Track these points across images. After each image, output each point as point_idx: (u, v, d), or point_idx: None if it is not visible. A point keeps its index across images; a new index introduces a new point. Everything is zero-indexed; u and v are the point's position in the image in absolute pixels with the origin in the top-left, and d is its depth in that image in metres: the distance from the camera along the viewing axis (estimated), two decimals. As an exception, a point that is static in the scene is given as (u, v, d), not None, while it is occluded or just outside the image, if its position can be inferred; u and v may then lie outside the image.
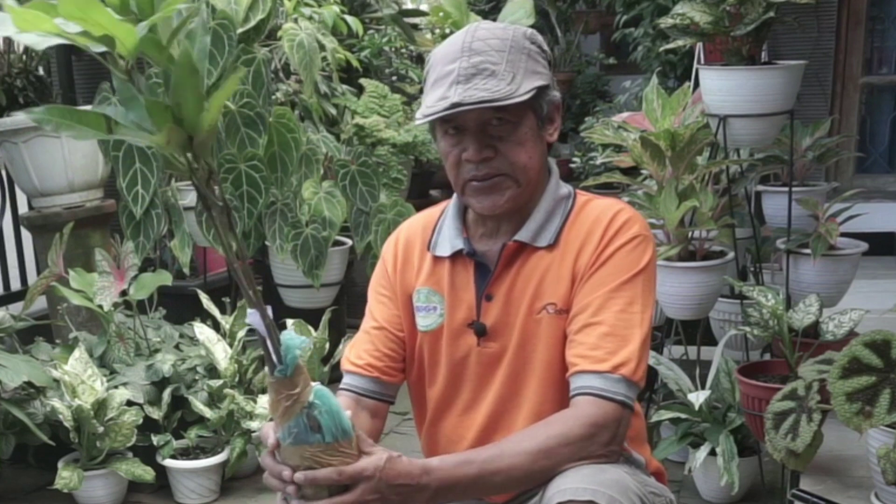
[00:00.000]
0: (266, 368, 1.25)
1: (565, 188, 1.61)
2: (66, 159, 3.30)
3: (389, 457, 1.33)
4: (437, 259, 1.62)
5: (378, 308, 1.67)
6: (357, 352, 1.66)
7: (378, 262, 1.71)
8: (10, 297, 3.52)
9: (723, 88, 2.61)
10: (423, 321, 1.63)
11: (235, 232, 1.12)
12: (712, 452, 2.51)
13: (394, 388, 1.67)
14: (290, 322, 3.01)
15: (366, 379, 1.63)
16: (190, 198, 3.13)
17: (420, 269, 1.64)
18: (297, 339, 1.23)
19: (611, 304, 1.48)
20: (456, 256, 1.60)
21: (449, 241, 1.61)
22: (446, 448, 1.63)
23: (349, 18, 3.57)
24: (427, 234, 1.65)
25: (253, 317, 1.21)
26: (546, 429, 1.42)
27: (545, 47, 1.53)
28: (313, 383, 1.27)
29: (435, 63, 1.50)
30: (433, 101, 1.45)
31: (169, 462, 2.79)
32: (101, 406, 2.66)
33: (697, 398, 2.51)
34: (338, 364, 3.12)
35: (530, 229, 1.55)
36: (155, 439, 2.79)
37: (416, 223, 1.70)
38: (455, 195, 1.62)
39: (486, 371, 1.59)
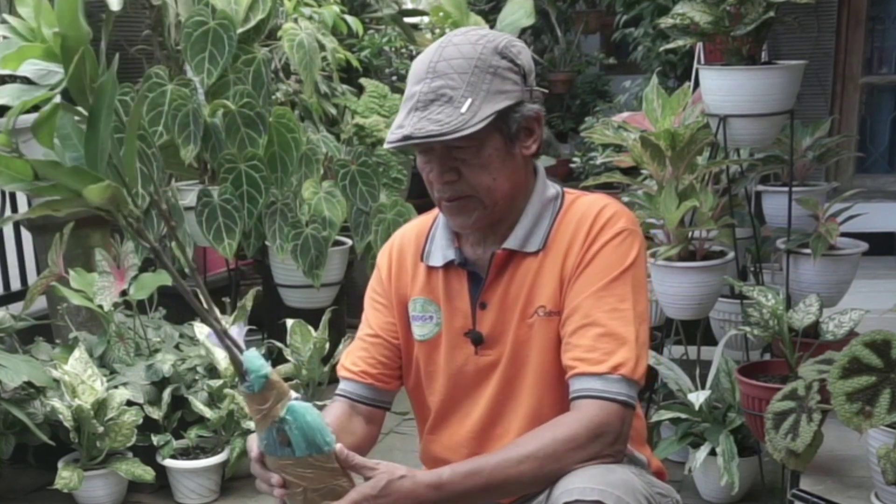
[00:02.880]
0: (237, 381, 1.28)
1: (553, 189, 1.59)
2: (66, 159, 3.30)
3: (389, 481, 1.34)
4: (430, 269, 1.62)
5: (373, 315, 1.67)
6: (352, 358, 1.67)
7: (374, 270, 1.72)
8: (10, 297, 3.52)
9: (723, 88, 2.61)
10: (420, 330, 1.63)
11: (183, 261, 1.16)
12: (712, 452, 2.51)
13: (389, 395, 1.68)
14: (290, 322, 3.01)
15: (360, 385, 1.64)
16: (190, 198, 3.13)
17: (415, 279, 1.64)
18: (257, 361, 1.25)
19: (602, 304, 1.47)
20: (448, 266, 1.60)
21: (441, 251, 1.61)
22: (444, 455, 1.63)
23: (349, 18, 3.57)
24: (420, 242, 1.65)
25: (211, 336, 1.26)
26: (553, 433, 1.41)
27: (519, 60, 1.48)
28: (294, 397, 1.28)
29: (410, 76, 1.50)
30: (394, 128, 1.46)
31: (169, 462, 2.79)
32: (101, 406, 2.66)
33: (697, 398, 2.51)
34: (338, 364, 3.13)
35: (518, 236, 1.54)
36: (155, 439, 2.79)
37: (409, 231, 1.70)
38: None
39: (483, 378, 1.58)
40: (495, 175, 1.49)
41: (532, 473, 1.39)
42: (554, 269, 1.52)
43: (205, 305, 1.20)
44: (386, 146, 1.49)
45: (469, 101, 1.42)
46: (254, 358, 1.25)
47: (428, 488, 1.35)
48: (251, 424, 2.77)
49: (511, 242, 1.54)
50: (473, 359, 1.58)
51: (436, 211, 1.68)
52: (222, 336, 1.23)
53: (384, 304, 1.66)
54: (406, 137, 1.43)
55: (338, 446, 1.32)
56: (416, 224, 1.71)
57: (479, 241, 1.58)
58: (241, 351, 1.25)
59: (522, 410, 1.54)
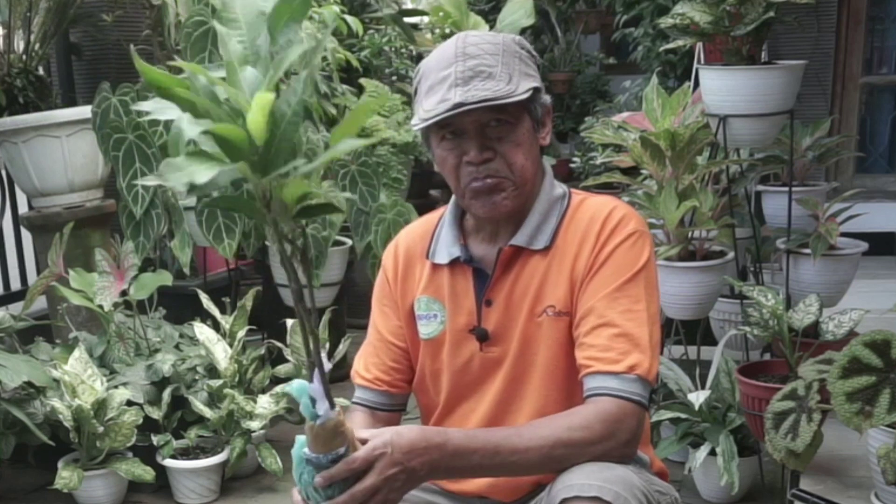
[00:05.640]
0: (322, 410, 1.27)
1: (560, 188, 1.61)
2: (66, 159, 3.30)
3: (397, 430, 1.34)
4: (436, 266, 1.62)
5: (381, 319, 1.68)
6: (365, 364, 1.67)
7: (379, 272, 1.72)
8: (10, 297, 3.53)
9: (723, 88, 2.61)
10: (425, 329, 1.63)
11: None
12: (712, 452, 2.51)
13: (405, 398, 1.69)
14: (290, 322, 3.01)
15: (376, 392, 1.65)
16: (190, 198, 3.13)
17: (420, 278, 1.64)
18: (329, 414, 1.24)
19: (616, 305, 1.47)
20: (454, 263, 1.60)
21: (446, 249, 1.61)
22: None
23: (349, 18, 3.57)
24: (426, 241, 1.65)
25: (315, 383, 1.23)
26: (567, 419, 1.42)
27: (534, 52, 1.55)
28: (331, 453, 1.28)
29: (427, 72, 1.49)
30: (432, 105, 1.45)
31: (169, 462, 2.79)
32: (101, 406, 2.66)
33: (697, 398, 2.51)
34: (338, 364, 3.13)
35: (526, 233, 1.55)
36: (155, 439, 2.79)
37: (414, 231, 1.70)
38: (452, 201, 1.63)
39: (487, 375, 1.59)
40: (527, 155, 1.51)
41: (541, 452, 1.39)
42: (563, 269, 1.53)
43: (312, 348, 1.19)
44: (424, 123, 1.47)
45: (508, 75, 1.46)
46: (328, 409, 1.24)
47: (435, 433, 1.36)
48: (251, 424, 2.78)
49: (519, 239, 1.55)
50: (479, 355, 1.58)
51: (440, 210, 1.68)
52: (322, 380, 1.21)
53: (391, 307, 1.67)
54: (457, 105, 1.42)
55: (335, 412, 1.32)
56: (421, 223, 1.71)
57: (487, 237, 1.59)
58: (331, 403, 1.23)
59: (528, 409, 1.55)
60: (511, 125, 1.48)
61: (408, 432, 1.34)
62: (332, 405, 1.23)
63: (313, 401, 1.23)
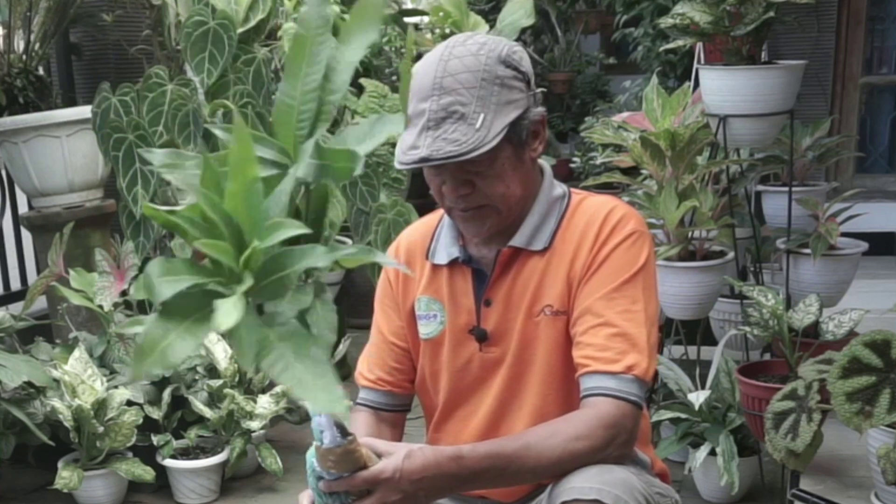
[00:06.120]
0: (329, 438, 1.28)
1: (559, 188, 1.60)
2: (66, 159, 3.30)
3: (409, 453, 1.34)
4: (435, 267, 1.62)
5: (383, 320, 1.68)
6: (368, 365, 1.67)
7: (381, 272, 1.72)
8: (10, 297, 3.52)
9: (723, 88, 2.61)
10: (425, 329, 1.63)
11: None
12: (712, 452, 2.51)
13: (409, 398, 1.69)
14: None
15: (380, 393, 1.65)
16: (190, 197, 3.13)
17: (421, 278, 1.64)
18: (338, 438, 1.26)
19: (614, 305, 1.47)
20: (453, 264, 1.60)
21: (446, 249, 1.61)
22: None
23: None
24: (426, 242, 1.65)
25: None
26: (571, 429, 1.42)
27: (522, 67, 1.47)
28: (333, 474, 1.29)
29: (413, 91, 1.46)
30: (406, 149, 1.44)
31: (169, 462, 2.79)
32: (101, 406, 2.66)
33: (697, 398, 2.51)
34: (338, 364, 3.12)
35: (525, 234, 1.55)
36: (155, 439, 2.79)
37: (415, 231, 1.70)
38: None
39: (487, 375, 1.59)
40: (508, 182, 1.48)
41: (549, 465, 1.40)
42: (561, 269, 1.52)
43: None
44: (399, 167, 1.46)
45: (482, 116, 1.41)
46: (336, 438, 1.25)
47: (448, 459, 1.36)
48: (251, 424, 2.77)
49: (517, 240, 1.55)
50: (478, 356, 1.58)
51: (441, 211, 1.68)
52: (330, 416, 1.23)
53: (393, 308, 1.67)
54: (424, 159, 1.41)
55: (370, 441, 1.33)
56: (422, 224, 1.71)
57: (485, 239, 1.59)
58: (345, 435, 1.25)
59: (527, 409, 1.55)
60: (489, 160, 1.44)
61: (421, 456, 1.34)
62: (346, 434, 1.24)
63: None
